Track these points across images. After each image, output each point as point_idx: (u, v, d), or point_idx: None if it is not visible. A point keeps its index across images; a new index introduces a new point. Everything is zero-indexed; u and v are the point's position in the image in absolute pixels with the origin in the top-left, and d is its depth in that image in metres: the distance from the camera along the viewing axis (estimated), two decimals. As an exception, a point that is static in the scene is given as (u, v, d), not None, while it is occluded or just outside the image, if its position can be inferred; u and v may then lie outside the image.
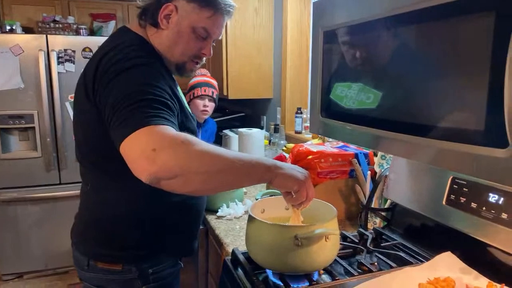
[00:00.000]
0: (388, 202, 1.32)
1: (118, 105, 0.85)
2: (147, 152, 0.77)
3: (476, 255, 0.92)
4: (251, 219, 0.97)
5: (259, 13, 2.46)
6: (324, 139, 1.82)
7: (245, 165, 0.84)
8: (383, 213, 1.31)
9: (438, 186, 1.06)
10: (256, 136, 1.99)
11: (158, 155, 0.76)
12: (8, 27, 2.84)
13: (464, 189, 0.98)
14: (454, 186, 1.01)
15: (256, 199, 1.16)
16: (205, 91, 2.05)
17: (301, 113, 2.25)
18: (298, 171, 0.92)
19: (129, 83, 0.88)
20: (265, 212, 1.10)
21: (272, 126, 2.35)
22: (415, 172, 1.16)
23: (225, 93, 2.50)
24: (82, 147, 1.07)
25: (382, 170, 1.33)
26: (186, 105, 1.10)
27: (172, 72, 1.08)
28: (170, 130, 0.82)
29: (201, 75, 2.13)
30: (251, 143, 1.99)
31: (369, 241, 1.15)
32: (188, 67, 1.09)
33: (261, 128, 2.75)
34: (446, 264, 0.92)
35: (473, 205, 0.95)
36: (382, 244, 1.15)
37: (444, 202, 1.03)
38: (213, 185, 0.84)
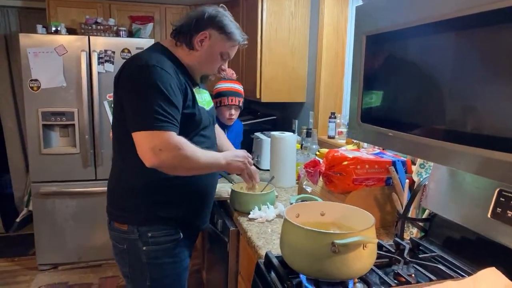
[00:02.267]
0: (426, 212, 1.28)
1: (136, 100, 1.19)
2: (155, 150, 1.14)
3: (524, 273, 0.88)
4: (287, 223, 0.97)
5: (295, 17, 2.46)
6: (360, 145, 1.79)
7: (211, 165, 1.32)
8: (420, 224, 1.27)
9: (483, 198, 1.02)
10: (288, 140, 1.98)
11: (162, 154, 1.15)
12: (53, 28, 2.97)
13: (512, 202, 0.93)
14: (501, 198, 0.96)
15: (291, 203, 1.15)
16: (232, 101, 2.10)
17: (335, 117, 2.22)
18: (239, 161, 1.41)
19: (148, 83, 1.18)
20: (300, 216, 1.09)
21: (304, 130, 2.34)
22: (457, 182, 1.12)
23: (258, 96, 2.51)
24: (113, 130, 1.36)
25: (421, 179, 1.29)
26: (201, 101, 1.38)
27: (196, 80, 1.41)
28: (173, 136, 1.18)
29: (228, 81, 2.17)
30: (283, 147, 1.98)
31: (406, 251, 1.11)
32: (209, 78, 1.48)
33: (293, 131, 2.74)
34: (490, 280, 0.88)
35: (522, 219, 0.90)
36: (420, 256, 1.11)
37: (489, 215, 0.99)
38: (190, 174, 1.30)
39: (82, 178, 2.94)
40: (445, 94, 0.80)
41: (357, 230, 0.94)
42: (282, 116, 2.96)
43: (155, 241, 1.32)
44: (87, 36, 2.84)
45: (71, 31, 3.18)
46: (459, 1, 0.74)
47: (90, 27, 3.11)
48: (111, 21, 3.24)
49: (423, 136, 0.86)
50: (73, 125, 2.86)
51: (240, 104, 2.15)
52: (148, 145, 1.15)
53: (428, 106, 0.85)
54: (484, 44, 0.68)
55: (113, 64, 2.86)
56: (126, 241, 1.33)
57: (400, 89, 0.94)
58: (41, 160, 2.85)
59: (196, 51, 1.32)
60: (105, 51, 2.85)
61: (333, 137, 2.23)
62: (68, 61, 2.79)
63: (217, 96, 2.11)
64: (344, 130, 2.15)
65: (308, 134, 2.26)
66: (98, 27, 3.13)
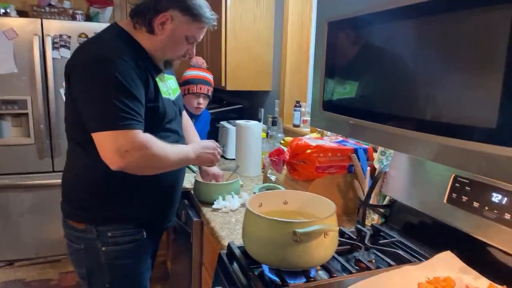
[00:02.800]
0: (387, 199, 1.30)
1: (94, 96, 1.08)
2: (121, 151, 1.05)
3: (477, 255, 0.91)
4: (248, 213, 0.95)
5: (259, 3, 2.41)
6: (323, 133, 1.80)
7: (180, 161, 1.25)
8: (381, 210, 1.30)
9: (440, 184, 1.04)
10: (253, 128, 1.96)
11: (129, 155, 1.06)
12: (2, 10, 2.77)
13: (467, 187, 0.96)
14: (456, 184, 0.99)
15: (254, 193, 1.14)
16: (200, 89, 2.03)
17: (300, 106, 2.22)
18: (209, 153, 1.37)
19: (106, 77, 1.07)
20: (262, 206, 1.08)
21: (270, 119, 2.32)
22: (416, 169, 1.14)
23: (223, 84, 2.46)
24: (66, 120, 1.25)
25: (382, 166, 1.31)
26: (165, 91, 1.27)
27: (160, 66, 1.27)
28: (139, 135, 1.08)
29: (198, 68, 2.10)
30: (248, 136, 1.96)
31: (367, 238, 1.13)
32: (174, 63, 1.30)
33: (259, 120, 2.72)
34: (446, 263, 0.91)
35: (475, 204, 0.93)
36: (380, 242, 1.13)
37: (445, 201, 1.02)
38: (158, 172, 1.20)
39: (38, 170, 2.79)
40: (406, 82, 0.79)
41: (319, 218, 0.94)
42: (249, 104, 2.93)
43: (115, 241, 1.23)
44: (40, 19, 2.66)
45: (22, 14, 2.97)
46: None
47: (43, 10, 2.92)
48: (67, 4, 3.05)
49: (384, 124, 0.86)
50: (26, 114, 2.69)
51: (209, 94, 2.08)
52: (113, 146, 1.05)
53: (390, 94, 0.85)
54: (444, 32, 0.68)
55: (69, 49, 2.71)
56: (83, 241, 1.23)
57: (362, 77, 0.93)
58: (-8, 151, 2.67)
59: (156, 35, 1.19)
60: (60, 35, 2.69)
61: (298, 126, 2.24)
62: (19, 46, 2.61)
63: (184, 84, 2.03)
64: (309, 118, 2.16)
65: (274, 123, 2.25)
66: (52, 9, 2.95)
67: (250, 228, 0.95)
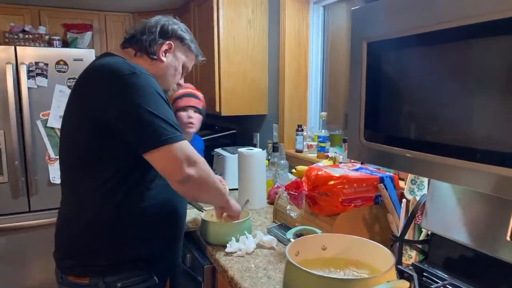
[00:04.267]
0: (424, 232, 1.18)
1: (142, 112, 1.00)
2: (190, 161, 1.03)
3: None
4: (292, 268, 0.80)
5: (253, 25, 2.32)
6: (335, 159, 1.67)
7: (218, 189, 1.20)
8: (419, 246, 1.17)
9: (497, 218, 0.93)
10: (257, 156, 1.81)
11: (195, 166, 1.04)
12: (-30, 38, 2.55)
13: (537, 223, 0.85)
14: (523, 219, 0.88)
15: (288, 239, 0.98)
16: (187, 101, 1.84)
17: (302, 130, 2.10)
18: (238, 205, 1.35)
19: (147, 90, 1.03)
20: (299, 254, 0.93)
21: (270, 145, 2.19)
22: (464, 201, 1.03)
23: (217, 109, 2.32)
24: (73, 156, 1.11)
25: (418, 198, 1.19)
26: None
27: None
28: (190, 146, 1.06)
29: (184, 87, 1.92)
30: (251, 165, 1.81)
31: (416, 283, 0.99)
32: (169, 92, 1.39)
33: (254, 145, 2.58)
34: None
35: (552, 243, 0.81)
36: (432, 287, 1.00)
37: (508, 238, 0.90)
38: (202, 197, 1.20)
39: (12, 211, 2.51)
40: (454, 108, 0.71)
41: (370, 266, 0.80)
42: (242, 129, 2.79)
43: None
44: (13, 46, 2.45)
45: (-8, 41, 2.76)
46: (484, 2, 0.64)
47: (16, 36, 2.72)
48: (42, 29, 2.86)
49: (440, 155, 0.76)
50: (-1, 149, 2.44)
51: (200, 107, 1.88)
52: (181, 157, 1.01)
53: (444, 122, 0.75)
54: (498, 53, 0.60)
55: (46, 78, 2.50)
56: None
57: (411, 103, 0.82)
58: (-41, 192, 2.39)
59: (160, 62, 1.20)
60: (36, 63, 2.48)
61: (301, 151, 2.11)
62: (-10, 75, 2.38)
63: (172, 103, 1.86)
64: (313, 143, 2.04)
65: (275, 149, 2.11)
66: (26, 36, 2.75)
67: (297, 287, 0.79)
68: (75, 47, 2.94)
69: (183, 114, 1.85)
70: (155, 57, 1.18)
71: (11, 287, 2.54)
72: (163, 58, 1.19)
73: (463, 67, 0.70)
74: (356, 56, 0.92)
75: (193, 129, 1.89)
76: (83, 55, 2.57)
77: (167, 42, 1.19)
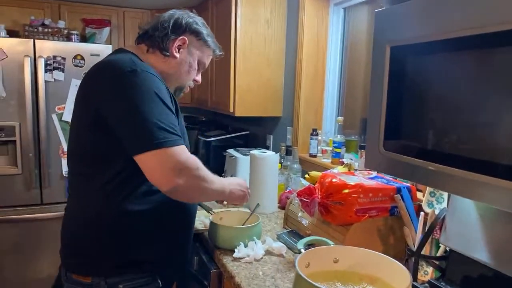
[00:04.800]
0: (441, 248, 1.12)
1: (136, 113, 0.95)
2: (176, 170, 0.95)
3: None
4: (302, 281, 0.76)
5: (271, 26, 2.27)
6: (350, 166, 1.62)
7: (217, 191, 1.13)
8: (436, 262, 1.11)
9: (525, 239, 0.87)
10: (270, 160, 1.77)
11: (183, 174, 0.96)
12: (-10, 30, 2.58)
13: None
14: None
15: (299, 250, 0.94)
16: None
17: (317, 134, 2.05)
18: (241, 190, 1.26)
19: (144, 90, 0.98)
20: (310, 266, 0.88)
21: (284, 148, 2.14)
22: (487, 217, 0.97)
23: (231, 110, 2.29)
24: (76, 153, 1.10)
25: (438, 211, 1.13)
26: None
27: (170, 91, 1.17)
28: (187, 152, 1.00)
29: None
30: (264, 168, 1.77)
31: (432, 302, 0.94)
32: (185, 89, 1.27)
33: (267, 148, 2.54)
34: None
35: None
36: (450, 308, 0.94)
37: (536, 260, 0.84)
38: (196, 201, 1.25)
39: (26, 203, 2.53)
40: (487, 120, 0.66)
41: (384, 282, 0.75)
42: (255, 131, 2.76)
43: None
44: (32, 40, 2.47)
45: (12, 34, 2.78)
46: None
47: (36, 30, 2.73)
48: (61, 24, 2.88)
49: (466, 170, 0.70)
50: (14, 141, 2.46)
51: None
52: (168, 165, 0.94)
53: (472, 136, 0.70)
54: None
55: (63, 72, 2.52)
56: None
57: (435, 112, 0.77)
58: (-26, 182, 2.42)
59: (173, 58, 1.16)
60: (54, 57, 2.50)
61: (315, 156, 2.06)
62: (8, 67, 2.40)
63: None
64: (327, 148, 1.99)
65: (288, 152, 2.07)
66: (46, 29, 2.76)
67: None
68: (93, 42, 2.95)
69: None
70: (168, 53, 1.14)
71: (19, 278, 2.56)
72: (176, 54, 1.16)
73: (492, 75, 0.65)
74: (378, 60, 0.87)
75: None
76: (100, 51, 2.58)
77: (180, 37, 1.15)
